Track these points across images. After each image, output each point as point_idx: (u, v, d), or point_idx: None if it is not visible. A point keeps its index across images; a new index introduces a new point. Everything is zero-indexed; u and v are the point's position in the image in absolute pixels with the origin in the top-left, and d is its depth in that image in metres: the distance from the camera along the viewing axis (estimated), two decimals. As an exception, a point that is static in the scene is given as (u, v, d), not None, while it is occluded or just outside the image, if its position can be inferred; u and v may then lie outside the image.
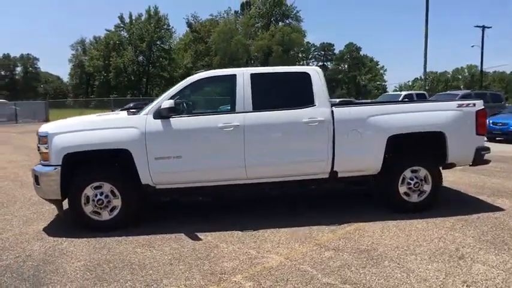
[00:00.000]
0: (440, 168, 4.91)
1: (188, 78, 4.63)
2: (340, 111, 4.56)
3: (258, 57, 43.65)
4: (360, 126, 4.53)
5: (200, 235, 4.18)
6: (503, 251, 3.61)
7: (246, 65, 45.45)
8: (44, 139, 4.28)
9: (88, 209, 4.31)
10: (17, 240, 4.18)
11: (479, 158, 4.86)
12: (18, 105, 30.21)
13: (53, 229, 4.51)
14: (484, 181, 6.53)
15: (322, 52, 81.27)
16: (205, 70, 4.87)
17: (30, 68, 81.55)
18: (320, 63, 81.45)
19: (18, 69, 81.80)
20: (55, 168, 4.21)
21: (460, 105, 4.79)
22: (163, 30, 54.61)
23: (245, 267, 3.40)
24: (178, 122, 4.35)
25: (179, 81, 4.70)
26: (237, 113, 4.43)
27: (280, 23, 45.68)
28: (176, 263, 3.51)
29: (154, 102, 4.45)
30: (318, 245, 3.86)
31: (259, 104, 4.49)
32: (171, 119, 4.33)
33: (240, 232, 4.26)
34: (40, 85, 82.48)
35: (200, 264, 3.48)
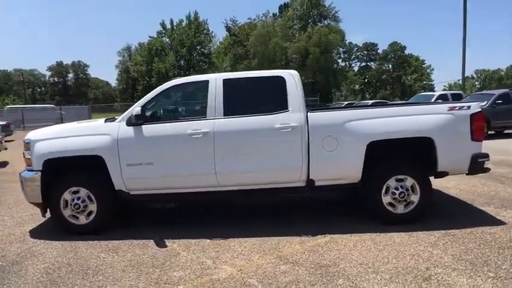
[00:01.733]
0: (432, 177, 4.52)
1: (161, 86, 4.65)
2: (315, 117, 4.36)
3: (296, 59, 43.26)
4: (336, 132, 4.30)
5: (168, 242, 4.18)
6: (480, 273, 3.23)
7: (284, 67, 45.29)
8: (27, 146, 4.51)
9: (66, 212, 4.47)
10: (1, 241, 4.43)
11: (477, 166, 4.42)
12: (64, 110, 32.40)
13: (38, 231, 4.72)
14: (498, 190, 5.93)
15: (365, 52, 78.90)
16: (181, 77, 4.88)
17: (81, 75, 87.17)
18: (363, 64, 79.24)
19: (70, 75, 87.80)
20: (36, 173, 4.42)
21: (451, 108, 4.38)
22: (202, 35, 56.11)
23: (192, 277, 3.34)
24: (150, 129, 4.39)
25: None
26: (207, 119, 4.38)
27: (318, 24, 45.00)
28: (129, 270, 3.52)
29: (129, 110, 4.52)
30: (278, 257, 3.70)
31: (230, 110, 4.41)
32: (143, 126, 4.38)
33: (208, 240, 4.20)
34: (90, 90, 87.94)
35: (151, 272, 3.47)
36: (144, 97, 4.57)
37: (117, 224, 4.69)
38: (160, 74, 57.49)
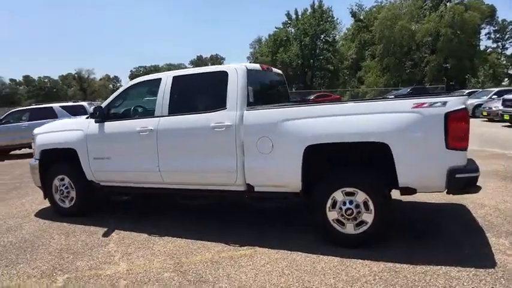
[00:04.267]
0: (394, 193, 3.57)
1: (126, 84, 4.89)
2: (251, 115, 3.92)
3: (426, 42, 38.03)
4: (271, 132, 3.78)
5: (116, 232, 4.45)
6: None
7: (409, 53, 40.59)
8: (33, 138, 5.40)
9: (57, 196, 5.19)
10: (8, 216, 5.43)
11: (457, 184, 3.29)
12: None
13: (42, 212, 5.52)
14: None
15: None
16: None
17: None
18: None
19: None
20: (35, 161, 5.27)
21: (418, 105, 3.33)
22: (327, 23, 54.61)
23: (85, 269, 3.52)
24: (109, 125, 4.69)
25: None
26: (155, 117, 4.43)
27: (453, 1, 38.37)
28: (55, 253, 3.93)
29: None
30: (176, 263, 3.56)
31: (175, 108, 4.36)
32: (105, 122, 4.72)
33: (145, 235, 4.31)
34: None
35: (65, 257, 3.80)
36: (111, 95, 4.90)
37: (108, 210, 5.21)
38: (284, 63, 58.66)
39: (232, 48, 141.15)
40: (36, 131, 5.41)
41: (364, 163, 3.68)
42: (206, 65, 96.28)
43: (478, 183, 3.36)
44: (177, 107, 4.36)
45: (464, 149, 3.30)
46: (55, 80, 79.90)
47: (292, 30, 59.96)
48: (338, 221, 3.67)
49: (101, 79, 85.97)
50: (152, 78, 4.74)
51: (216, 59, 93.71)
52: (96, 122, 4.77)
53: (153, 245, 4.04)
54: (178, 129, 4.27)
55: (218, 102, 4.11)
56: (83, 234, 4.46)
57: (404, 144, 3.35)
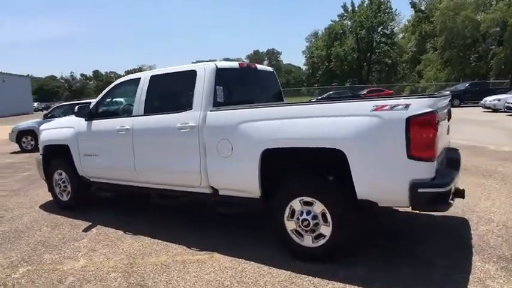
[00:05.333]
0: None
1: (112, 83, 5.00)
2: (213, 116, 3.79)
3: (492, 34, 34.37)
4: (231, 134, 3.62)
5: (97, 228, 4.61)
6: None
7: (474, 45, 37.00)
8: (40, 134, 5.76)
9: (57, 190, 5.51)
10: (17, 206, 5.86)
11: (422, 200, 2.88)
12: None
13: (48, 204, 5.86)
14: None
15: None
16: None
17: (274, 61, 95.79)
18: None
19: (265, 63, 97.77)
20: (39, 156, 5.63)
21: (378, 108, 2.96)
22: (385, 15, 51.80)
23: (48, 262, 3.70)
24: (96, 124, 4.85)
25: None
26: (131, 116, 4.48)
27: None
28: (33, 244, 4.17)
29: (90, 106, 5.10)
30: (128, 264, 3.57)
31: (149, 108, 4.38)
32: (93, 121, 4.88)
33: (121, 233, 4.40)
34: (282, 76, 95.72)
35: (39, 249, 4.04)
36: (100, 94, 5.04)
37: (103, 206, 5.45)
38: (339, 57, 56.91)
39: (289, 42, 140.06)
40: (42, 127, 5.79)
41: (326, 171, 3.37)
42: (263, 59, 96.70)
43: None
44: (151, 106, 4.38)
45: (430, 159, 2.86)
46: (120, 75, 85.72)
47: (349, 23, 57.88)
48: (297, 232, 3.42)
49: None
50: (133, 77, 4.80)
51: (273, 53, 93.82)
52: (85, 120, 4.95)
53: (121, 243, 4.10)
54: (149, 129, 4.29)
55: (186, 102, 4.04)
56: (67, 228, 4.68)
57: (361, 152, 3.00)
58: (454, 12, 36.21)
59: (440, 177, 2.96)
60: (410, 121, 2.82)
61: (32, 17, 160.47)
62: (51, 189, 5.61)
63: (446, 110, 3.65)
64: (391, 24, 53.59)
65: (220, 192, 3.88)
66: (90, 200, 5.54)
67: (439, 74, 39.64)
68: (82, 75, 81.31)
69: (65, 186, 5.38)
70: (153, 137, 4.26)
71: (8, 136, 13.17)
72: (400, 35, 56.00)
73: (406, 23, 55.91)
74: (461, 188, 3.53)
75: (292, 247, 3.46)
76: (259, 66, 4.96)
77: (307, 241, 3.36)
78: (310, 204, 3.32)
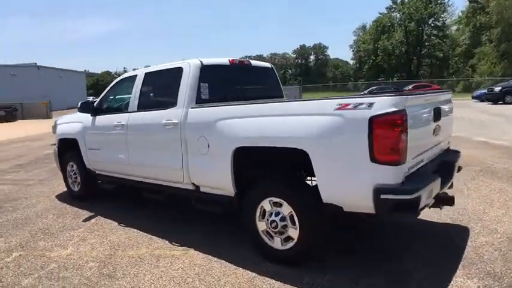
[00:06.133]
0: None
1: (114, 80, 5.19)
2: (193, 113, 3.81)
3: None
4: (207, 132, 3.64)
5: (97, 219, 4.86)
6: None
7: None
8: (55, 127, 6.16)
9: (69, 180, 5.87)
10: (37, 195, 6.29)
11: (384, 206, 2.70)
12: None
13: (64, 194, 6.24)
14: None
15: None
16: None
17: (321, 56, 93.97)
18: None
19: (312, 57, 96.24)
20: (55, 148, 6.02)
21: (341, 106, 2.80)
22: (436, 6, 48.71)
23: (40, 248, 3.95)
24: (99, 119, 5.08)
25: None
26: (128, 112, 4.64)
27: None
28: (34, 231, 4.48)
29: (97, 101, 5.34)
30: (108, 255, 3.71)
31: (142, 104, 4.51)
32: (97, 116, 5.12)
33: (115, 224, 4.61)
34: (329, 70, 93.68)
35: (38, 236, 4.31)
36: (104, 90, 5.27)
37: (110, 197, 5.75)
38: (386, 51, 54.67)
39: (336, 36, 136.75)
40: (58, 121, 6.17)
41: (295, 172, 3.28)
42: (309, 54, 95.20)
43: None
44: (143, 103, 4.52)
45: (396, 163, 2.67)
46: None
47: (397, 15, 55.33)
48: (267, 233, 3.37)
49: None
50: (131, 74, 4.96)
51: (319, 48, 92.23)
52: (91, 115, 5.21)
53: (112, 234, 4.29)
54: (140, 125, 4.43)
55: (172, 99, 4.10)
56: (70, 217, 4.97)
57: (324, 153, 2.88)
58: (511, 2, 33.32)
59: (410, 183, 2.75)
60: (373, 121, 2.65)
61: (91, 15, 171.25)
62: (65, 180, 5.98)
63: (437, 108, 3.37)
64: (442, 15, 50.46)
65: (201, 189, 3.92)
66: (98, 192, 5.82)
67: (494, 68, 36.74)
68: (134, 70, 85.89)
69: (76, 178, 5.71)
70: (142, 133, 4.41)
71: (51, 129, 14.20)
72: (454, 28, 52.58)
73: (460, 14, 52.40)
74: (450, 195, 3.26)
75: (263, 248, 3.42)
76: (254, 63, 4.89)
77: (277, 243, 3.30)
78: (279, 205, 3.25)
